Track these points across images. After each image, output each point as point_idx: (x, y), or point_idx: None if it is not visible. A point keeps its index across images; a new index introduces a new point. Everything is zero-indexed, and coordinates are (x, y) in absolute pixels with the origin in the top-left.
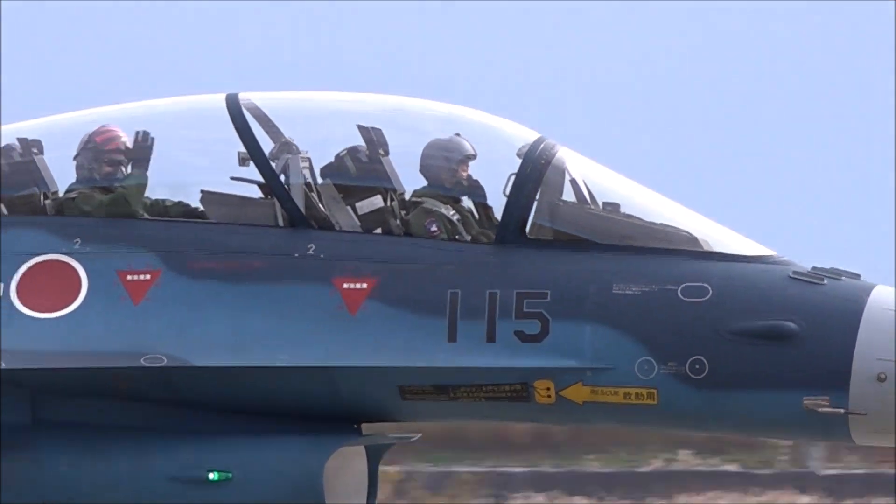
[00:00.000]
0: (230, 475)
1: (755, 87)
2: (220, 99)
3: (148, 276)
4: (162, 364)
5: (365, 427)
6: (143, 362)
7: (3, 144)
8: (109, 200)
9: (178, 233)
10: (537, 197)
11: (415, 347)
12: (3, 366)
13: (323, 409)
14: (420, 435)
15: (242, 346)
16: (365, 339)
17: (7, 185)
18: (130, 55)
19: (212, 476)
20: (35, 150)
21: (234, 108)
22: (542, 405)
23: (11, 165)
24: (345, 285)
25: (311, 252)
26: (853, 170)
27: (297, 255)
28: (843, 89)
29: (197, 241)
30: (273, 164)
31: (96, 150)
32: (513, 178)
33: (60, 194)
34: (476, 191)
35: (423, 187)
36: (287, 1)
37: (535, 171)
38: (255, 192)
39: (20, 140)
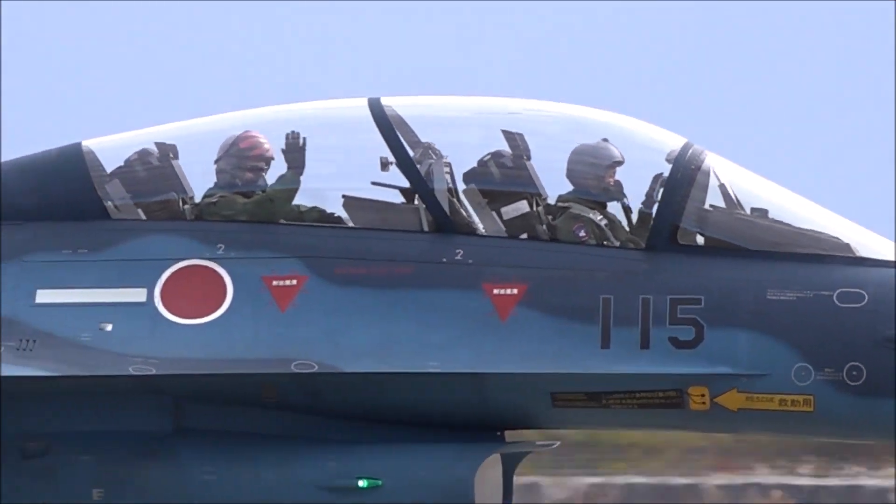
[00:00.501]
0: (380, 482)
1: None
2: (362, 104)
3: (294, 282)
4: (313, 370)
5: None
6: (293, 368)
7: (139, 149)
8: (254, 205)
9: (324, 238)
10: (687, 203)
11: (567, 354)
12: (154, 372)
13: (470, 416)
14: (559, 442)
15: (392, 353)
16: (516, 346)
17: (145, 191)
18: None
19: (362, 483)
20: (171, 155)
21: (379, 113)
22: (695, 412)
23: (149, 170)
24: (495, 291)
25: (459, 257)
26: (853, 169)
27: (444, 260)
28: None
29: (343, 247)
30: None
31: (240, 156)
32: (661, 181)
33: (198, 199)
34: (623, 196)
35: (569, 192)
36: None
37: (686, 177)
38: (396, 197)
39: (158, 144)
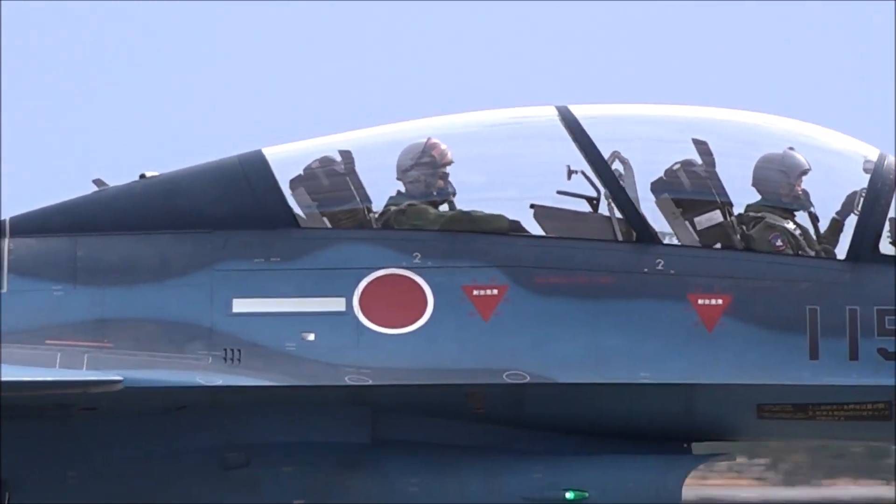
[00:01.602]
0: (587, 495)
1: None
2: (550, 112)
3: (496, 292)
4: (525, 381)
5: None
6: (505, 379)
7: (320, 157)
8: (451, 216)
9: (522, 248)
10: (889, 213)
11: (775, 365)
12: (371, 382)
13: (674, 428)
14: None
15: (601, 363)
16: (724, 356)
17: (331, 199)
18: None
19: (569, 495)
20: (352, 163)
21: (571, 120)
22: None
23: (333, 178)
24: (699, 301)
25: (660, 267)
26: None
27: (646, 270)
28: None
29: (542, 256)
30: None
31: (433, 165)
32: (861, 192)
33: (377, 207)
34: (811, 205)
35: (758, 202)
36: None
37: (887, 187)
38: (580, 207)
39: (340, 153)
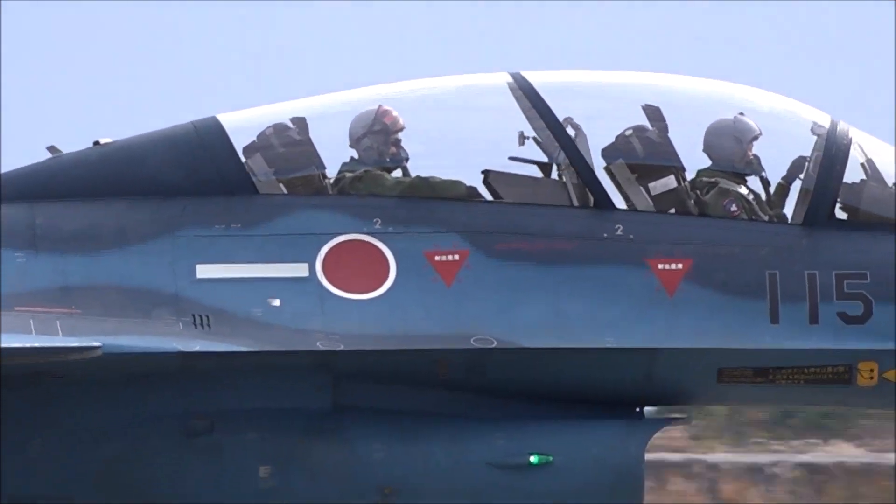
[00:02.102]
0: (551, 459)
1: None
2: (503, 77)
3: (457, 257)
4: (492, 346)
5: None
6: (473, 343)
7: (274, 123)
8: (412, 182)
9: (481, 214)
10: (843, 178)
11: (736, 330)
12: (342, 347)
13: (634, 393)
14: (691, 416)
15: (566, 329)
16: (685, 321)
17: (287, 166)
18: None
19: (533, 460)
20: (306, 130)
21: (526, 87)
22: (862, 388)
23: (288, 145)
24: (660, 266)
25: (619, 233)
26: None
27: (605, 235)
28: None
29: (501, 222)
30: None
31: (385, 132)
32: (814, 157)
33: (330, 174)
34: (762, 170)
35: (710, 167)
36: None
37: (841, 152)
38: (529, 173)
39: (293, 120)
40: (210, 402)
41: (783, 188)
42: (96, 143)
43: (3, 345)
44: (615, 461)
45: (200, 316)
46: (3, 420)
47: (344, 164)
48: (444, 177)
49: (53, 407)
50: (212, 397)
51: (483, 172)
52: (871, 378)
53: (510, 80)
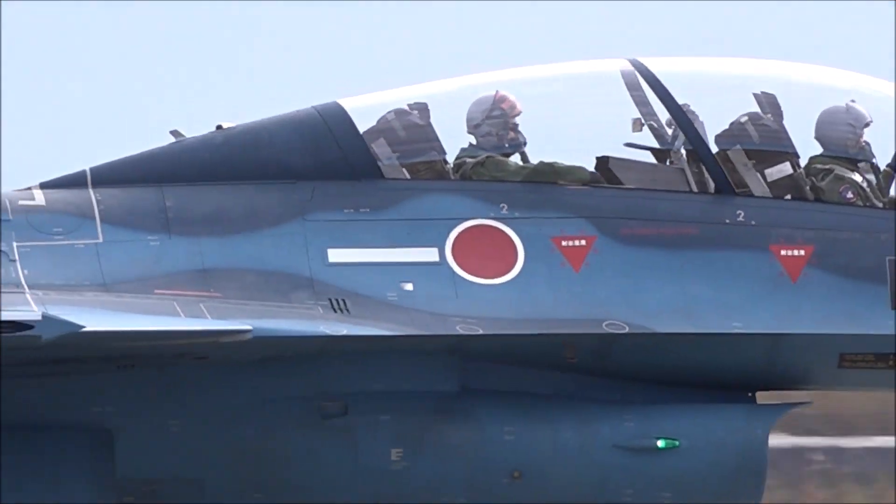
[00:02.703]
0: (677, 443)
1: None
2: (622, 64)
3: (584, 242)
4: (624, 331)
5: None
6: (605, 328)
7: (395, 109)
8: (536, 167)
9: (607, 199)
10: None
11: (858, 315)
12: (481, 332)
13: (756, 377)
14: (811, 401)
15: (694, 314)
16: (808, 307)
17: (409, 151)
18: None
19: (660, 444)
20: (427, 115)
21: (646, 73)
22: None
23: (410, 130)
24: (782, 252)
25: (741, 219)
26: None
27: (727, 221)
28: None
29: (627, 207)
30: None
31: (504, 117)
32: None
33: (450, 159)
34: (874, 156)
35: (822, 154)
36: None
37: None
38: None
39: (414, 105)
40: (344, 385)
41: (889, 174)
42: (218, 127)
43: (159, 327)
44: (740, 445)
45: (337, 300)
46: (140, 400)
47: (463, 150)
48: (564, 162)
49: (187, 389)
50: (346, 380)
51: (599, 158)
52: None
53: (628, 66)
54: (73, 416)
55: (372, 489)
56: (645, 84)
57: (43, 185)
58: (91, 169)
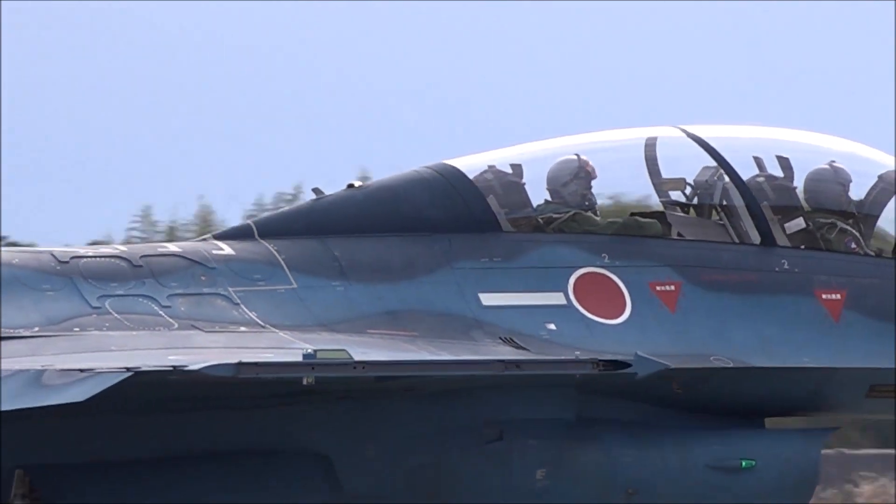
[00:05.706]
0: (754, 463)
1: None
2: (674, 131)
3: (673, 287)
4: (728, 365)
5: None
6: (713, 363)
7: (496, 168)
8: (623, 222)
9: (682, 249)
10: None
11: (888, 351)
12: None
13: (802, 405)
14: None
15: (769, 350)
16: (849, 343)
17: (512, 205)
18: None
19: (743, 463)
20: (521, 174)
21: (697, 139)
22: None
23: (508, 188)
24: (823, 296)
25: (786, 267)
26: None
27: (776, 269)
28: None
29: (700, 256)
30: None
31: (588, 178)
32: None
33: (538, 215)
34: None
35: (818, 209)
36: None
37: None
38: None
39: (513, 165)
40: (499, 412)
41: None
42: (350, 185)
43: (427, 357)
44: (800, 464)
45: (506, 338)
46: (344, 430)
47: (547, 205)
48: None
49: (379, 417)
50: (501, 408)
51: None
52: None
53: (682, 133)
54: (297, 442)
55: None
56: (701, 149)
57: (216, 237)
58: (254, 222)
